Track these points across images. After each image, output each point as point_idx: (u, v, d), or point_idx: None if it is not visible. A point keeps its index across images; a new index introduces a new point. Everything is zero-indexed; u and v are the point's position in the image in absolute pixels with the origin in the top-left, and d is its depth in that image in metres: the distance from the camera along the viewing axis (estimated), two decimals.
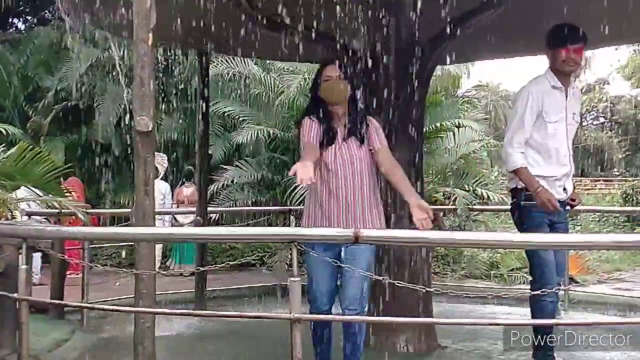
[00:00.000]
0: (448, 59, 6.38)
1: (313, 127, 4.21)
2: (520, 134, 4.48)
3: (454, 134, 11.23)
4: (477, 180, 10.72)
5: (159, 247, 10.28)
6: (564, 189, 4.59)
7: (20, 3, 17.05)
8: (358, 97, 4.38)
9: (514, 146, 4.49)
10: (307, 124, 4.24)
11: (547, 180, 4.48)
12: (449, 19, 5.00)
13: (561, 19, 4.67)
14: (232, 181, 11.05)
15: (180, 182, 11.76)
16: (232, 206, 10.81)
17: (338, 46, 5.18)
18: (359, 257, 3.97)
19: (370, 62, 5.02)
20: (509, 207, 4.94)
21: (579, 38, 4.45)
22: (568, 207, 4.69)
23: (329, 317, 4.10)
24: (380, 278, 3.92)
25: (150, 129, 3.62)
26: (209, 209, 8.05)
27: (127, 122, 11.08)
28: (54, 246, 5.12)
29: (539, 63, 4.83)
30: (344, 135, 4.24)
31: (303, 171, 3.61)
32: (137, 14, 3.66)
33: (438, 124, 10.98)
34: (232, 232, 4.52)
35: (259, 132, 10.97)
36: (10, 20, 17.63)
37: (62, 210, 6.11)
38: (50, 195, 6.08)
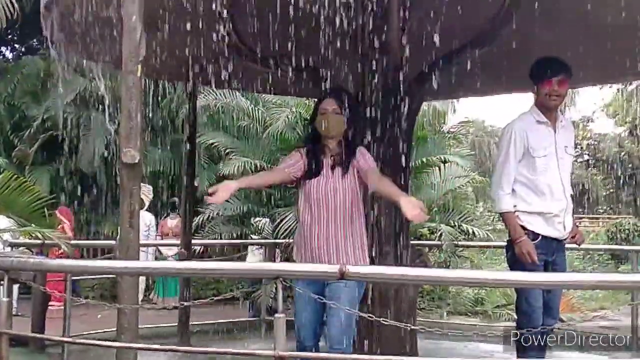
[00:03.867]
0: (434, 96, 6.44)
1: (296, 158, 4.32)
2: (506, 173, 4.47)
3: (439, 170, 11.27)
4: (462, 216, 10.75)
5: (142, 279, 10.19)
6: (564, 226, 4.53)
7: (9, 32, 17.06)
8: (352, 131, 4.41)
9: (503, 187, 4.47)
10: (293, 154, 4.37)
11: (544, 217, 4.44)
12: (434, 58, 5.06)
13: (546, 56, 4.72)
14: (218, 213, 11.00)
15: (166, 213, 11.71)
16: (218, 239, 10.75)
17: (326, 82, 5.22)
18: (344, 294, 3.97)
19: (357, 98, 5.05)
20: (494, 243, 4.93)
21: (561, 70, 4.46)
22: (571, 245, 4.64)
23: (313, 354, 4.06)
24: (365, 315, 3.90)
25: (136, 161, 3.61)
26: (193, 241, 8.00)
27: (113, 153, 11.06)
28: (35, 278, 5.06)
29: (524, 99, 4.87)
30: (330, 166, 4.27)
31: (222, 190, 3.84)
32: (126, 46, 3.67)
33: (424, 159, 11.02)
34: (216, 267, 4.48)
35: (246, 164, 10.96)
36: None
37: (46, 242, 6.05)
38: (34, 226, 6.03)
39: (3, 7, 10.43)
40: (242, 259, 9.77)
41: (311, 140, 4.40)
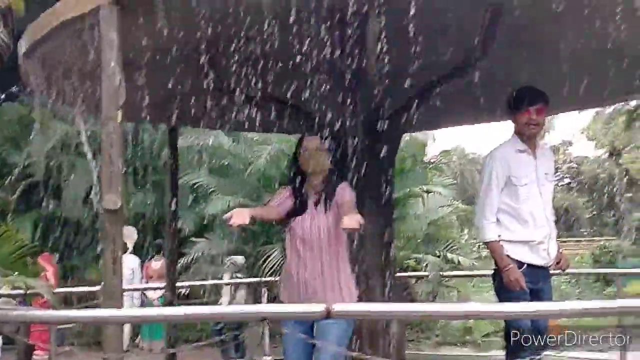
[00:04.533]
0: (414, 127, 6.46)
1: (282, 196, 4.33)
2: (489, 203, 4.49)
3: (423, 200, 11.30)
4: (447, 246, 10.77)
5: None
6: (548, 253, 4.55)
7: None
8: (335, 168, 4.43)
9: (487, 217, 4.49)
10: (281, 192, 4.39)
11: (529, 245, 4.46)
12: (413, 90, 5.09)
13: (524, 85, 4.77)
14: (202, 254, 10.94)
15: (150, 256, 11.61)
16: (203, 279, 10.67)
17: (306, 117, 5.23)
18: (333, 331, 3.95)
19: (339, 132, 5.06)
20: (479, 272, 4.94)
21: (538, 99, 4.52)
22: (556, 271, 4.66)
23: None
24: (353, 354, 3.87)
25: (118, 207, 3.59)
26: (178, 283, 7.92)
27: (95, 196, 10.99)
28: (19, 329, 4.97)
29: (504, 126, 4.91)
30: (314, 203, 4.27)
31: (237, 215, 3.74)
32: (106, 92, 3.66)
33: (407, 190, 11.05)
34: (201, 312, 4.41)
35: (230, 202, 10.93)
36: None
37: (29, 292, 5.97)
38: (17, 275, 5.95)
39: None
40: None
41: (295, 178, 4.40)
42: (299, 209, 4.28)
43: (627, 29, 3.99)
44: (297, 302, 4.16)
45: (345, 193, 4.25)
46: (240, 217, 3.76)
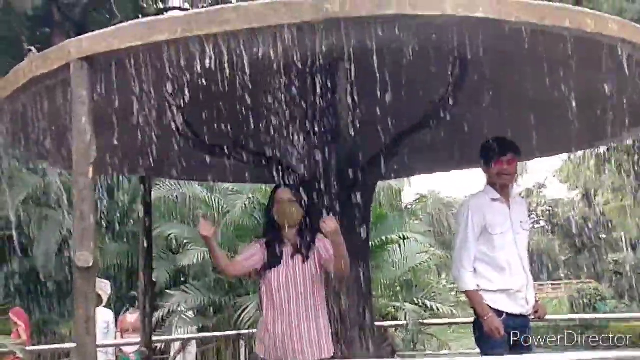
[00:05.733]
0: (388, 175, 6.50)
1: (253, 251, 4.35)
2: (466, 252, 4.52)
3: (400, 247, 11.31)
4: (426, 293, 10.75)
5: None
6: (527, 301, 4.57)
7: None
8: (308, 218, 4.43)
9: (464, 266, 4.52)
10: (252, 246, 4.43)
11: (507, 294, 4.49)
12: (386, 140, 5.13)
13: (492, 135, 4.84)
14: (178, 306, 10.80)
15: (125, 308, 11.43)
16: (179, 333, 10.50)
17: (280, 168, 5.24)
18: None
19: (312, 183, 5.07)
20: (458, 319, 4.94)
21: (508, 149, 4.61)
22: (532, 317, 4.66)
23: None
24: None
25: (90, 264, 3.53)
26: (154, 337, 7.79)
27: (67, 248, 10.85)
28: None
29: (478, 170, 4.96)
30: (290, 255, 4.26)
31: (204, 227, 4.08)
32: (77, 149, 3.64)
33: (383, 238, 11.06)
34: None
35: (205, 254, 10.83)
36: None
37: (0, 350, 5.84)
38: None
39: None
40: (206, 353, 9.53)
41: (269, 230, 4.39)
42: (273, 260, 4.26)
43: (591, 77, 4.08)
44: (274, 356, 4.12)
45: (329, 248, 4.25)
46: (207, 228, 4.04)
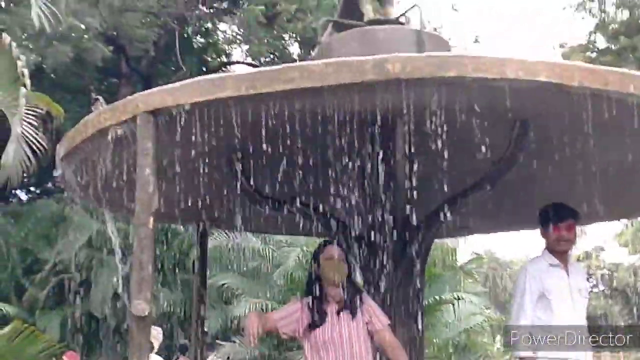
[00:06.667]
0: (444, 234, 6.43)
1: (291, 310, 4.30)
2: (522, 318, 4.44)
3: (453, 307, 11.11)
4: (479, 356, 10.50)
5: None
6: None
7: (24, 174, 17.46)
8: (355, 275, 4.41)
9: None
10: (291, 305, 4.38)
11: None
12: (443, 198, 5.10)
13: (551, 197, 4.77)
14: (228, 358, 10.79)
15: (175, 356, 11.46)
16: None
17: (335, 223, 5.24)
18: None
19: (367, 240, 5.06)
20: None
21: (567, 215, 4.53)
22: None
23: None
24: None
25: (146, 314, 3.58)
26: None
27: (122, 292, 10.97)
28: None
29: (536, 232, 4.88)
30: (336, 311, 4.22)
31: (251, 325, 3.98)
32: (139, 199, 3.72)
33: (437, 297, 10.89)
34: None
35: (257, 305, 10.85)
36: (12, 191, 17.92)
37: None
38: None
39: (20, 162, 10.68)
40: None
41: (313, 288, 4.34)
42: (318, 319, 4.21)
43: None
44: None
45: (379, 315, 4.26)
46: (253, 327, 3.95)
